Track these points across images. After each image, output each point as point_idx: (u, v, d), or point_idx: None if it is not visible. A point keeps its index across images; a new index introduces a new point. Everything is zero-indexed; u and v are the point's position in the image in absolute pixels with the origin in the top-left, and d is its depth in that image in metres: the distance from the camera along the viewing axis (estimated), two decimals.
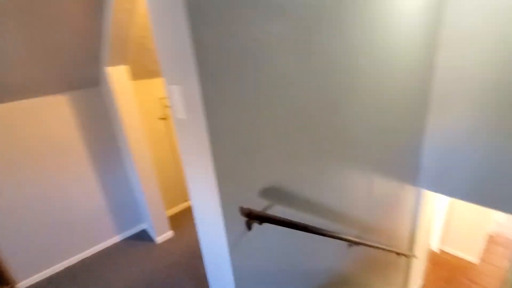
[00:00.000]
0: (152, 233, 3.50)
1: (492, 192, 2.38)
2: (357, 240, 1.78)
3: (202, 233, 1.28)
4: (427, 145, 2.65)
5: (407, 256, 2.94)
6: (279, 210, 1.23)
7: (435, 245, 4.89)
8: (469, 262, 4.67)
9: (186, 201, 4.19)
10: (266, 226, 1.13)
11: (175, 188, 4.01)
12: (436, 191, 2.77)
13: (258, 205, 1.13)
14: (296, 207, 1.33)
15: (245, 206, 1.00)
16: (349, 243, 1.82)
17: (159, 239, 3.43)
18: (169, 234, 3.50)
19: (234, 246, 1.08)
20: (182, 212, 4.14)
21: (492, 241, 4.97)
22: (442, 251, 4.93)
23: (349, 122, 1.50)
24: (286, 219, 1.13)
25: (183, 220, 3.89)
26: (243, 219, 1.04)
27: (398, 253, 2.84)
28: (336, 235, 1.52)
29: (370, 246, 1.99)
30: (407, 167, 2.53)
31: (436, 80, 2.41)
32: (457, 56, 2.24)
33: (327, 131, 1.36)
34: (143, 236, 3.59)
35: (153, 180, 3.13)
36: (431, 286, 4.28)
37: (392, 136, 2.04)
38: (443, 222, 4.75)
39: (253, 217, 0.96)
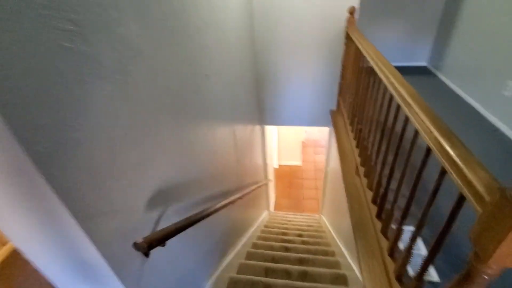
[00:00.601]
0: None
1: (301, 115, 3.12)
2: (236, 197, 1.87)
3: None
4: (263, 88, 3.00)
5: (267, 183, 3.51)
6: (173, 210, 1.02)
7: (276, 163, 6.16)
8: (297, 166, 6.29)
9: (4, 244, 2.78)
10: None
11: None
12: (272, 124, 3.30)
13: (147, 221, 0.87)
14: (185, 193, 1.15)
15: (138, 241, 0.72)
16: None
17: None
18: None
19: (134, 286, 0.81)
20: (5, 263, 2.74)
21: (304, 145, 6.83)
22: (280, 165, 6.31)
23: (203, 83, 1.36)
24: (183, 221, 0.95)
25: (9, 274, 2.62)
26: (137, 252, 0.77)
27: (262, 186, 3.32)
28: (225, 203, 1.51)
29: (245, 194, 2.16)
30: (254, 110, 2.81)
31: (255, 28, 2.61)
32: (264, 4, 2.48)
33: (186, 97, 1.17)
34: None
35: None
36: (280, 194, 5.52)
37: (239, 86, 2.11)
38: (277, 144, 5.96)
39: (154, 246, 0.72)
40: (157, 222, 0.91)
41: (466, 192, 0.67)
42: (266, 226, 3.48)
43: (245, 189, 2.29)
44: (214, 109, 1.53)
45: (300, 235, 3.13)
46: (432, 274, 1.36)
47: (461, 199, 0.71)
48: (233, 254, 2.11)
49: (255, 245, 2.62)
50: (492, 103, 2.47)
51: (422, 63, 3.83)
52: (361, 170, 1.79)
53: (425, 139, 0.90)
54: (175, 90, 1.04)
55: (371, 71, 1.71)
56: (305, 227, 3.56)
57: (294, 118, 3.17)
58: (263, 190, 3.82)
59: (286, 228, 3.43)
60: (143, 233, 0.82)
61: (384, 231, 1.34)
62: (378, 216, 1.44)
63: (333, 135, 3.27)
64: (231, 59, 1.84)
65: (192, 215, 1.02)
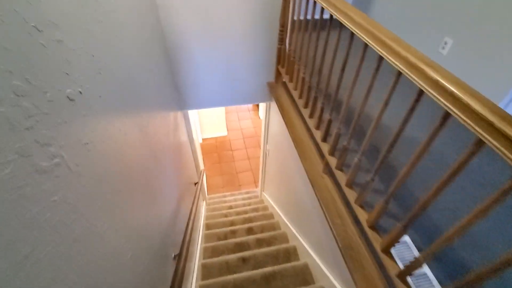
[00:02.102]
0: None
1: (231, 93, 2.49)
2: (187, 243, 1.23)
3: None
4: (179, 67, 2.17)
5: (202, 176, 2.87)
6: None
7: (200, 137, 5.44)
8: (223, 136, 5.73)
9: None
10: None
11: None
12: (197, 107, 2.57)
13: None
14: None
15: None
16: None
17: None
18: None
19: None
20: None
21: (227, 111, 6.23)
22: (204, 139, 5.63)
23: (71, 108, 0.58)
24: None
25: None
26: None
27: (196, 183, 2.68)
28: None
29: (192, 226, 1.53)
30: (171, 97, 1.99)
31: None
32: None
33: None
34: None
35: None
36: (211, 173, 4.97)
37: (145, 75, 1.29)
38: (198, 119, 5.16)
39: None
40: None
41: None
42: (208, 227, 2.95)
43: (183, 208, 1.64)
44: (103, 132, 0.76)
45: (250, 229, 2.75)
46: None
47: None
48: None
49: (205, 269, 2.09)
50: None
51: None
52: (340, 176, 1.38)
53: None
54: None
55: (338, 28, 1.18)
56: (252, 214, 3.21)
57: (222, 97, 2.50)
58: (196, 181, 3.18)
59: (233, 223, 2.99)
60: None
61: (403, 277, 1.01)
62: (386, 251, 1.08)
63: (273, 109, 2.78)
64: (124, 43, 1.00)
65: None
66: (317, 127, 1.63)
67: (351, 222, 1.38)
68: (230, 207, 3.61)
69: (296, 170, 2.12)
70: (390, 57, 0.87)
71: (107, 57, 0.79)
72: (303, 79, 1.75)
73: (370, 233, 1.16)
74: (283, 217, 2.77)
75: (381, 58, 0.96)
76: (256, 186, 4.54)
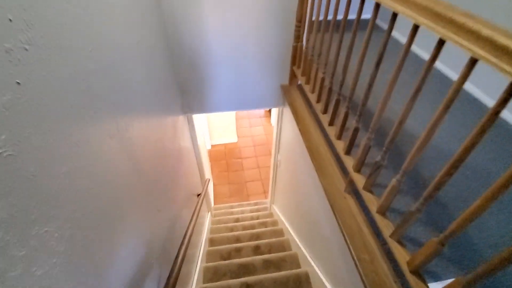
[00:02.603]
0: None
1: (241, 96, 2.26)
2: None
3: None
4: (180, 71, 1.96)
5: (207, 185, 2.63)
6: None
7: (208, 144, 5.23)
8: (232, 143, 5.50)
9: None
10: None
11: None
12: (202, 111, 2.34)
13: None
14: None
15: None
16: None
17: None
18: None
19: None
20: None
21: (238, 117, 6.01)
22: (213, 146, 5.41)
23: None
24: None
25: None
26: None
27: (199, 194, 2.44)
28: None
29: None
30: (173, 98, 1.77)
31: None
32: None
33: None
34: None
35: None
36: (218, 181, 4.74)
37: (134, 67, 1.07)
38: (207, 125, 4.97)
39: None
40: None
41: None
42: (212, 243, 2.69)
43: (182, 223, 1.39)
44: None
45: (257, 248, 2.47)
46: None
47: None
48: None
49: None
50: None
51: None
52: (370, 199, 1.10)
53: None
54: None
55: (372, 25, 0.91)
56: (260, 229, 2.93)
57: (230, 101, 2.27)
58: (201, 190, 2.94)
59: (238, 239, 2.72)
60: None
61: None
62: None
63: (286, 115, 2.52)
64: (98, 19, 0.78)
65: None
66: (339, 137, 1.36)
67: (383, 260, 1.08)
68: (237, 220, 3.34)
69: (311, 186, 1.84)
70: (460, 40, 0.60)
71: (55, 29, 0.56)
72: (323, 79, 1.49)
73: (412, 280, 0.87)
74: (294, 236, 2.48)
75: (440, 44, 0.69)
76: (266, 197, 4.26)
